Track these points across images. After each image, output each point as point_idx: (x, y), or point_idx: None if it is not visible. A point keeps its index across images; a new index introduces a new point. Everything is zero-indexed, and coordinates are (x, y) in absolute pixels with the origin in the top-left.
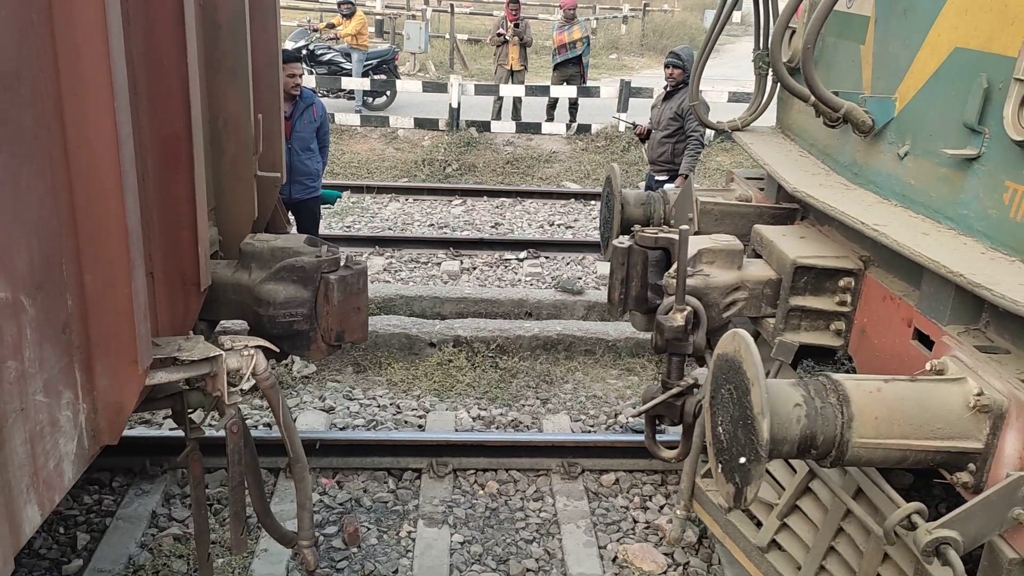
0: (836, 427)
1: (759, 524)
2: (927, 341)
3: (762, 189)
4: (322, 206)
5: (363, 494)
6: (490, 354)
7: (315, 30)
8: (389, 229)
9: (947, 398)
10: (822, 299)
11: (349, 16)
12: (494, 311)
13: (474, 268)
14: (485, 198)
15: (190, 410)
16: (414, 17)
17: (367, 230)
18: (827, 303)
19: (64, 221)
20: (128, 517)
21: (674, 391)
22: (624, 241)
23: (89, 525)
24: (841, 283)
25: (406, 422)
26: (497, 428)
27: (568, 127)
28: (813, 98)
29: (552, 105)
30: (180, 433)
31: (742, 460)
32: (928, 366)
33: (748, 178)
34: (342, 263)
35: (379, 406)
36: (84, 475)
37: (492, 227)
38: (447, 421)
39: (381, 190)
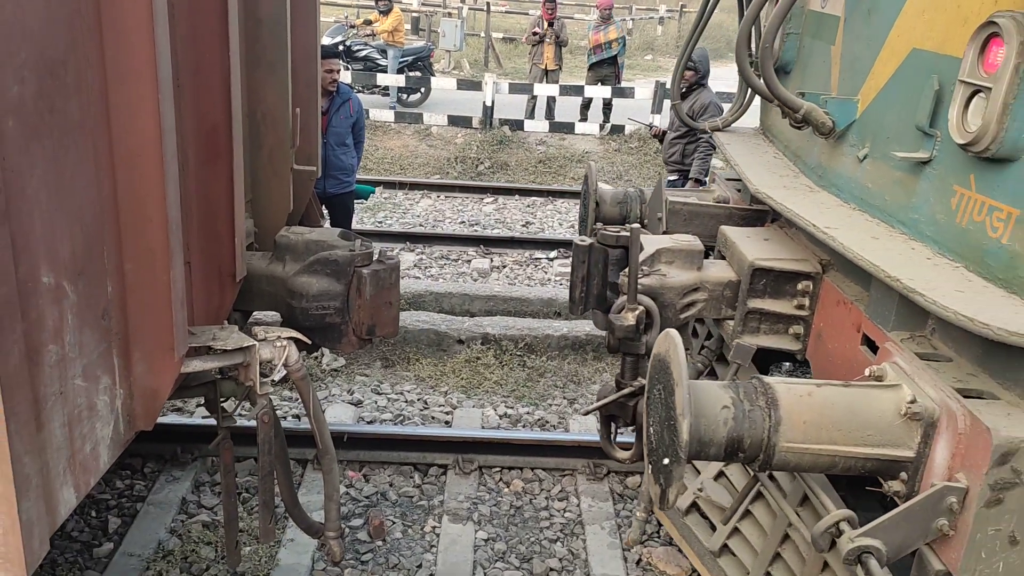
0: (763, 430)
1: (715, 528)
2: (874, 347)
3: (739, 190)
4: (355, 201)
5: (389, 488)
6: (518, 352)
7: (352, 26)
8: (420, 226)
9: (879, 405)
10: (781, 302)
11: (386, 13)
12: (523, 310)
13: (504, 266)
14: (517, 197)
15: (223, 399)
16: (450, 15)
17: (399, 226)
18: (785, 306)
19: (106, 209)
20: (158, 503)
21: (626, 391)
22: (586, 239)
23: (120, 509)
24: (800, 286)
25: (433, 418)
26: (523, 427)
27: (601, 127)
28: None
29: (586, 105)
30: (211, 421)
31: (665, 461)
32: (867, 372)
33: (728, 179)
34: (375, 258)
35: (407, 401)
36: (117, 460)
37: (523, 226)
38: (474, 418)
39: (413, 186)
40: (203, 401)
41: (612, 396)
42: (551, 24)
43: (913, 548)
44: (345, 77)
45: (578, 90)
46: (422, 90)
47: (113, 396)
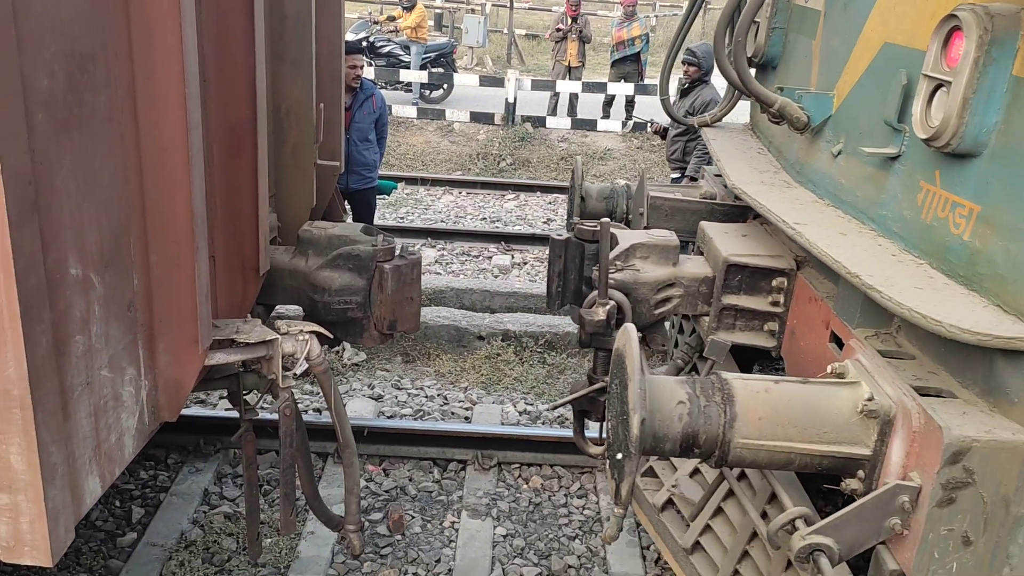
0: (719, 426)
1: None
2: (842, 344)
3: (726, 186)
4: (377, 197)
5: (408, 483)
6: (538, 349)
7: (376, 22)
8: (442, 221)
9: (836, 402)
10: (756, 299)
11: (409, 9)
12: (544, 306)
13: (525, 263)
14: (538, 193)
15: (245, 391)
16: (473, 11)
17: (420, 222)
18: (760, 303)
19: (133, 201)
20: (181, 493)
21: (597, 386)
22: (562, 234)
23: (144, 499)
24: (775, 283)
25: (453, 413)
26: (543, 423)
27: (624, 124)
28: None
29: (608, 102)
30: (234, 414)
31: (619, 456)
32: (829, 369)
33: (716, 175)
34: (397, 253)
35: (427, 396)
36: (141, 451)
37: (544, 223)
38: (493, 414)
39: (435, 182)
40: (226, 393)
41: (582, 391)
42: (575, 20)
43: (866, 547)
44: (368, 73)
45: (601, 87)
46: (445, 86)
47: (138, 387)
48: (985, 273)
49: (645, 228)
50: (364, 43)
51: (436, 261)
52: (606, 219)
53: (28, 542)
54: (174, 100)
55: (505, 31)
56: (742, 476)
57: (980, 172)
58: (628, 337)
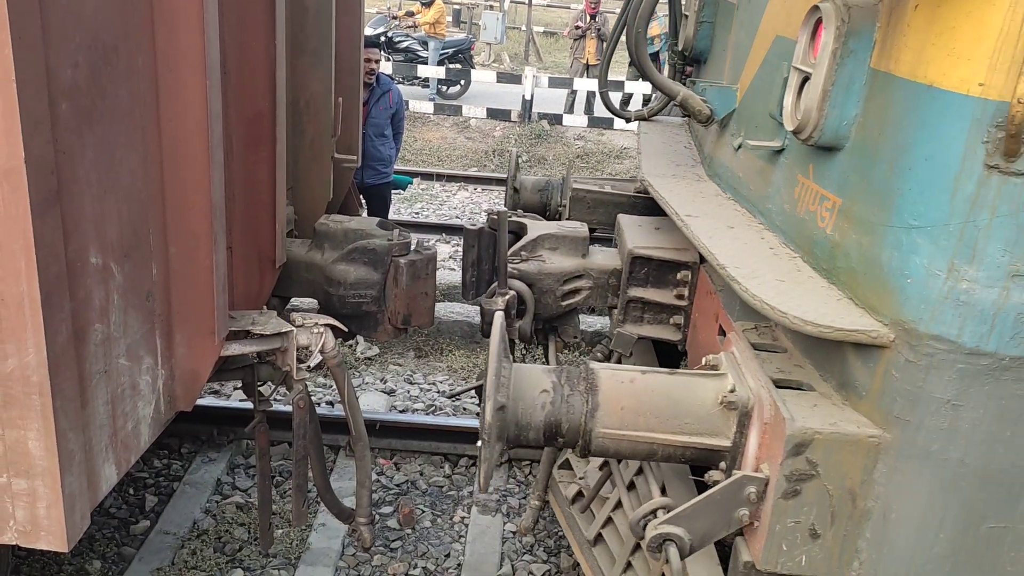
0: (581, 416)
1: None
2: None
3: None
4: (393, 192)
5: (419, 477)
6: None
7: (394, 17)
8: (457, 218)
9: (700, 393)
10: (662, 292)
11: (428, 5)
12: None
13: None
14: None
15: (260, 383)
16: (492, 8)
17: (435, 217)
18: (666, 296)
19: (153, 192)
20: (194, 483)
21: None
22: (476, 224)
23: (157, 488)
24: (679, 276)
25: (465, 409)
26: None
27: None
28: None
29: (626, 101)
30: (247, 404)
31: (479, 443)
32: (703, 361)
33: None
34: (412, 248)
35: (439, 391)
36: (155, 439)
37: None
38: None
39: (451, 178)
40: (240, 384)
41: (477, 381)
42: (593, 18)
43: (718, 537)
44: (386, 68)
45: (618, 85)
46: (462, 82)
47: (155, 376)
48: (842, 267)
49: (568, 220)
50: (383, 38)
51: (450, 257)
52: (503, 209)
53: (44, 527)
54: (195, 92)
55: (523, 28)
56: (640, 471)
57: (842, 165)
58: (494, 327)
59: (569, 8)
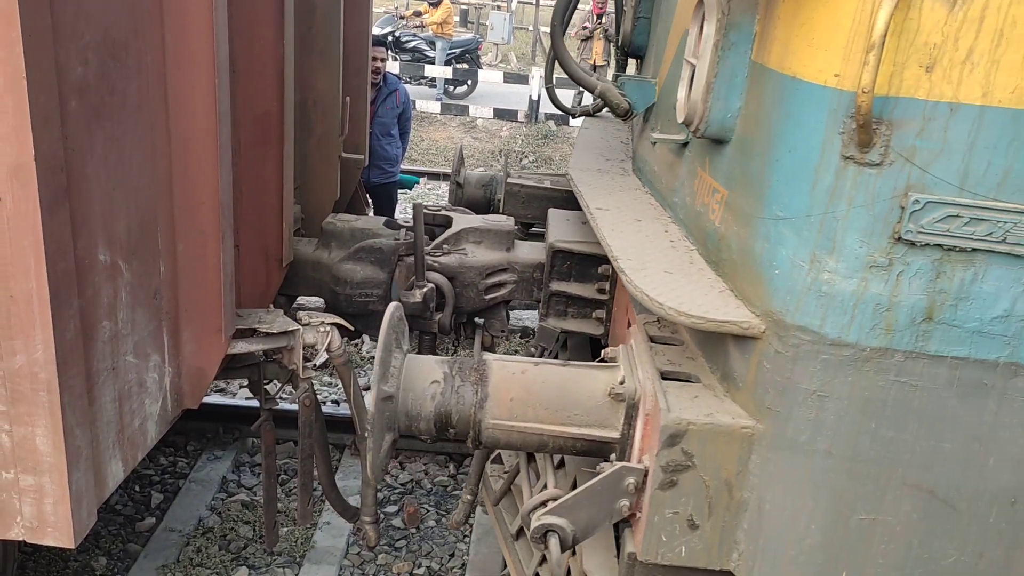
0: (471, 406)
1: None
2: None
3: None
4: (399, 191)
5: (424, 476)
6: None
7: (402, 17)
8: None
9: (591, 385)
10: (584, 286)
11: (435, 5)
12: None
13: None
14: None
15: (266, 381)
16: (499, 8)
17: None
18: (588, 290)
19: (161, 190)
20: (200, 480)
21: None
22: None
23: (163, 485)
24: (600, 270)
25: None
26: None
27: None
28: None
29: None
30: (253, 403)
31: (365, 434)
32: (603, 354)
33: None
34: None
35: None
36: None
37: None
38: None
39: None
40: (247, 382)
41: None
42: (600, 19)
43: (601, 528)
44: (393, 68)
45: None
46: (469, 82)
47: (162, 374)
48: (725, 258)
49: (502, 214)
50: (390, 38)
51: None
52: (418, 202)
53: (51, 523)
54: (204, 90)
55: (530, 28)
56: (561, 464)
57: (729, 158)
58: (384, 318)
59: (577, 9)
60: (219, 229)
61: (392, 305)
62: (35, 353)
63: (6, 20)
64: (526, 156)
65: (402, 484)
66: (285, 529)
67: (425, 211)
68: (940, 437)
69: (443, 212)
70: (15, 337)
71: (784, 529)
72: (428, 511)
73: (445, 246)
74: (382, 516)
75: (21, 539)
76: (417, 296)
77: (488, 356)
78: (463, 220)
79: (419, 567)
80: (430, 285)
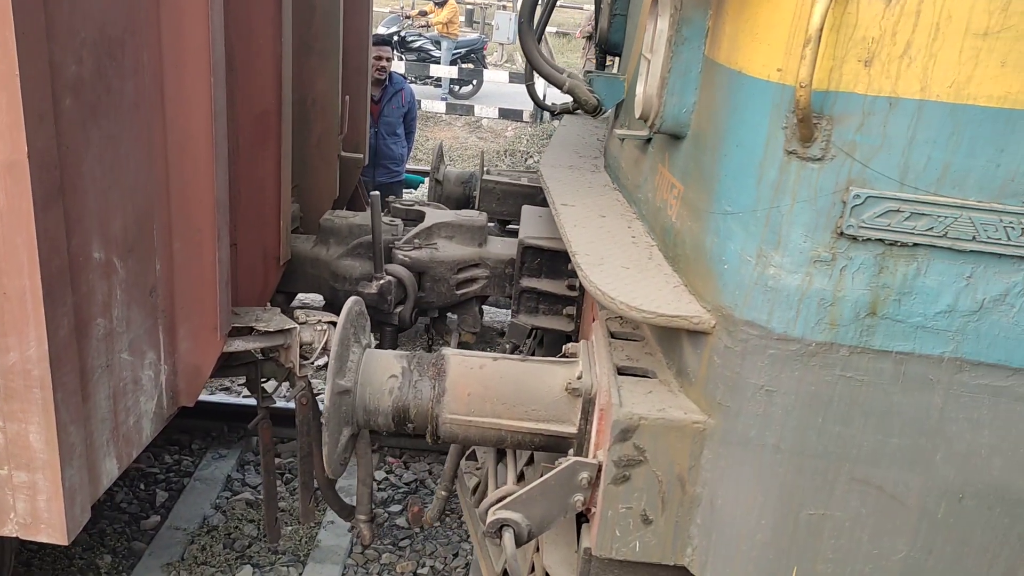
0: (428, 401)
1: None
2: None
3: None
4: (404, 190)
5: (428, 476)
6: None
7: (407, 17)
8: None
9: (549, 380)
10: (555, 282)
11: (441, 5)
12: None
13: None
14: None
15: (264, 379)
16: (504, 8)
17: None
18: (558, 287)
19: (157, 188)
20: (204, 479)
21: None
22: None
23: (168, 484)
24: (570, 267)
25: None
26: None
27: None
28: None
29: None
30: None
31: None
32: (563, 349)
33: None
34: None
35: None
36: (165, 436)
37: None
38: None
39: None
40: (245, 380)
41: None
42: None
43: (556, 523)
44: (399, 67)
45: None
46: (474, 82)
47: (158, 371)
48: (680, 254)
49: (477, 210)
50: (395, 38)
51: None
52: (376, 192)
53: (45, 520)
54: (200, 88)
55: None
56: (531, 461)
57: (684, 153)
58: (343, 309)
59: (582, 9)
60: (215, 227)
61: (351, 299)
62: (28, 350)
63: (0, 18)
64: (531, 156)
65: (406, 484)
66: (289, 528)
67: (397, 205)
68: (887, 432)
69: (416, 207)
70: (8, 334)
71: (736, 524)
72: (430, 509)
73: (416, 240)
74: (386, 515)
75: (15, 535)
76: (373, 288)
77: (447, 351)
78: (435, 215)
79: (423, 566)
80: (388, 278)
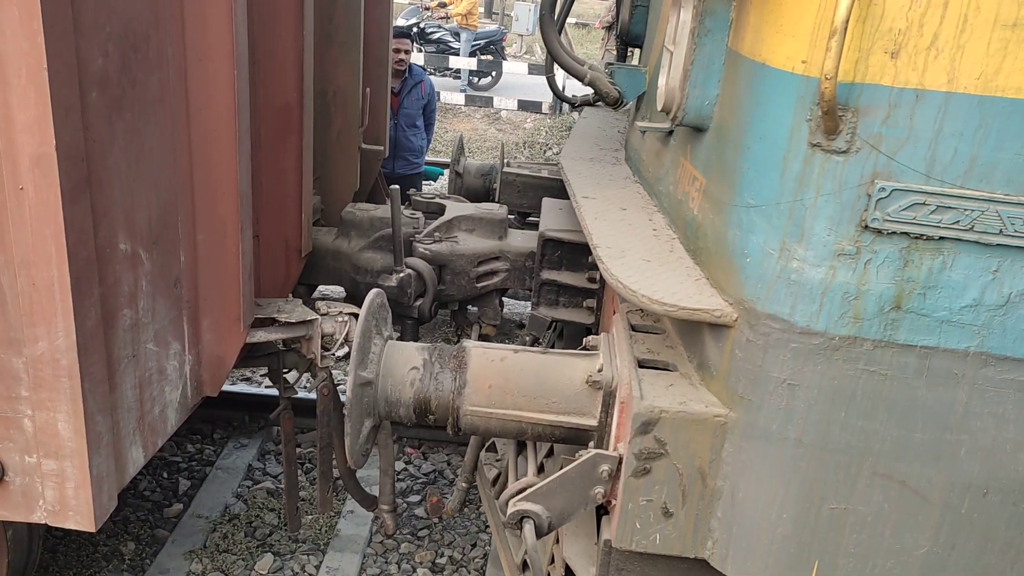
0: (449, 393)
1: None
2: None
3: None
4: (424, 182)
5: (447, 466)
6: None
7: (427, 8)
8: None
9: (569, 373)
10: (575, 275)
11: None
12: None
13: None
14: None
15: (285, 370)
16: None
17: None
18: (579, 279)
19: (182, 181)
20: (226, 468)
21: None
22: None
23: (190, 472)
24: (591, 259)
25: None
26: None
27: None
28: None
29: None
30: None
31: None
32: (584, 341)
33: None
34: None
35: None
36: (187, 425)
37: None
38: None
39: None
40: (267, 371)
41: None
42: None
43: (576, 515)
44: (418, 59)
45: None
46: (493, 74)
47: (182, 361)
48: (702, 247)
49: (498, 202)
50: (415, 29)
51: None
52: (395, 186)
53: (73, 507)
54: (224, 82)
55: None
56: (550, 453)
57: (707, 146)
58: (365, 302)
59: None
60: (238, 219)
61: (373, 291)
62: (56, 340)
63: (28, 12)
64: (550, 148)
65: (425, 474)
66: (309, 517)
67: (418, 198)
68: (910, 427)
69: (437, 200)
70: (37, 324)
71: (757, 518)
72: (451, 501)
73: (436, 234)
74: (405, 506)
75: (44, 522)
76: (392, 281)
77: (467, 343)
78: (455, 208)
79: (441, 556)
80: (407, 271)
